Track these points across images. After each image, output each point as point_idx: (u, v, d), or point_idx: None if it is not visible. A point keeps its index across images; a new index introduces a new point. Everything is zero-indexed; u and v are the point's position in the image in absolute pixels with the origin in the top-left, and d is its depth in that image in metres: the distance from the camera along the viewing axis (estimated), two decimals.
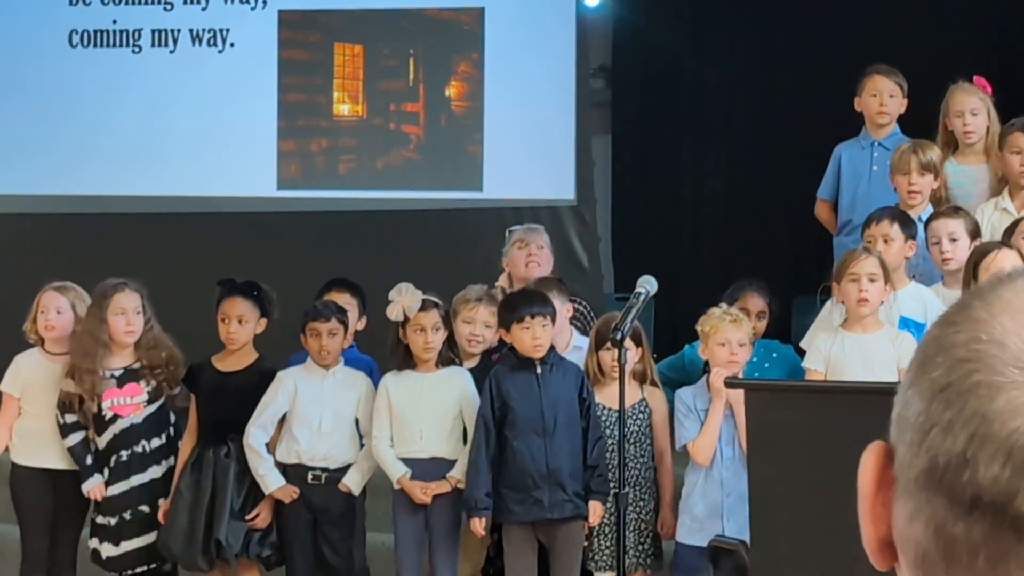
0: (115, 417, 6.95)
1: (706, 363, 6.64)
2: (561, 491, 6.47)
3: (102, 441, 6.96)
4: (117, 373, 6.96)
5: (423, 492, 6.62)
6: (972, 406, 0.91)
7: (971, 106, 7.29)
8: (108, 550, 6.95)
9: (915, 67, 7.76)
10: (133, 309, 6.97)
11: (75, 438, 6.97)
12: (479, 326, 6.92)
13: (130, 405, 6.96)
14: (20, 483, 7.07)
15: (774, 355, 7.08)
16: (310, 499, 6.80)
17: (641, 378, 6.73)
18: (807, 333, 6.74)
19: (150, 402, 6.98)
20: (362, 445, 6.82)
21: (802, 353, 6.71)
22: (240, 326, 6.94)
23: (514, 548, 6.58)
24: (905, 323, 6.53)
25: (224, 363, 7.00)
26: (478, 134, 9.55)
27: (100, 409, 6.94)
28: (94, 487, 6.94)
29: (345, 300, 7.11)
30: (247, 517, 6.82)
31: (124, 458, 6.93)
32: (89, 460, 6.95)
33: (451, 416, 6.71)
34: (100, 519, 6.99)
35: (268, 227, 9.49)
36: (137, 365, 6.99)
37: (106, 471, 6.95)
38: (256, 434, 6.79)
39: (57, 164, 9.66)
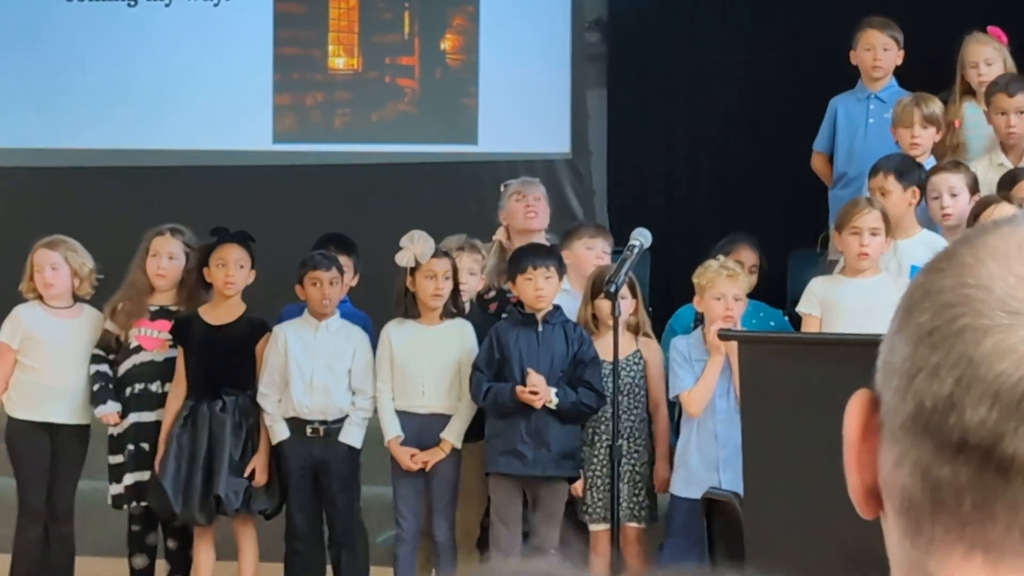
0: (138, 348, 6.95)
1: (699, 314, 6.63)
2: (546, 449, 6.48)
3: (121, 370, 6.94)
4: (154, 309, 6.97)
5: (412, 459, 6.64)
6: (959, 350, 0.92)
7: (985, 56, 7.27)
8: (114, 489, 6.94)
9: (918, 17, 7.73)
10: (166, 253, 6.97)
11: (97, 367, 6.95)
12: (463, 274, 6.88)
13: (155, 339, 6.94)
14: (16, 437, 7.05)
15: (761, 314, 7.00)
16: (310, 452, 6.77)
17: (634, 329, 6.73)
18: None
19: (174, 346, 6.95)
20: (353, 401, 6.79)
21: (795, 319, 6.71)
22: (239, 271, 6.86)
23: (500, 496, 6.59)
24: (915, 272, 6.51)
25: (213, 315, 6.91)
26: (473, 87, 9.53)
27: (128, 340, 6.94)
28: (108, 414, 6.89)
29: (341, 261, 7.05)
30: (245, 474, 6.80)
31: (136, 391, 6.91)
32: (104, 387, 6.91)
33: (452, 370, 6.71)
34: (111, 459, 6.94)
35: (263, 180, 9.47)
36: (175, 308, 6.98)
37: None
38: (263, 393, 6.78)
39: (52, 118, 9.62)
